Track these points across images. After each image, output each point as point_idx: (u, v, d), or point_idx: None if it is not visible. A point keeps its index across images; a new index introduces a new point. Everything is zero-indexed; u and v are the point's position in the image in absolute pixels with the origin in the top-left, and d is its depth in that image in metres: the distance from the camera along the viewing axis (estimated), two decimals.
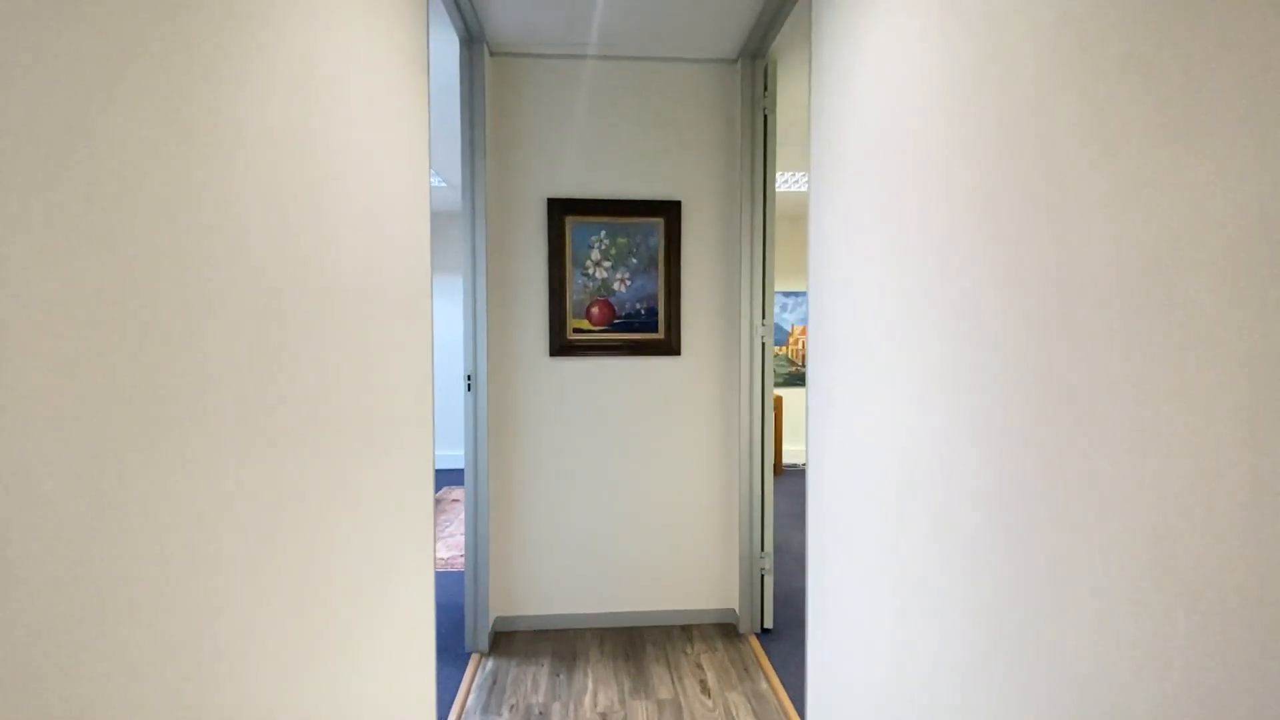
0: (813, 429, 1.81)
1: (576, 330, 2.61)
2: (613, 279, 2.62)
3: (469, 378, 2.37)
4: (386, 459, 1.42)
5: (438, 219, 5.87)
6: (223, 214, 0.83)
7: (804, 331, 6.26)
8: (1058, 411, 0.86)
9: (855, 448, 1.53)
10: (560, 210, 2.57)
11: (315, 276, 1.08)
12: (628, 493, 2.69)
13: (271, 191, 0.94)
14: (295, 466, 1.01)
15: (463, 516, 3.77)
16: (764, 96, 2.58)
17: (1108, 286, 0.78)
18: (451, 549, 3.71)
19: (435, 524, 1.61)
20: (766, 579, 2.68)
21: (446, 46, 2.44)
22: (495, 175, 2.55)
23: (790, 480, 5.55)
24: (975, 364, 1.05)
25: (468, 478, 2.42)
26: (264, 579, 0.92)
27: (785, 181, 4.54)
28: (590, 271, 2.61)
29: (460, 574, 3.33)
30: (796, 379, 6.27)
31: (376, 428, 1.36)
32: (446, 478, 5.60)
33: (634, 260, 2.63)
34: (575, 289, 2.60)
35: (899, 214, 1.30)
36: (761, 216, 2.59)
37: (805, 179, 4.41)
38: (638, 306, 2.64)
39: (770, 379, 2.63)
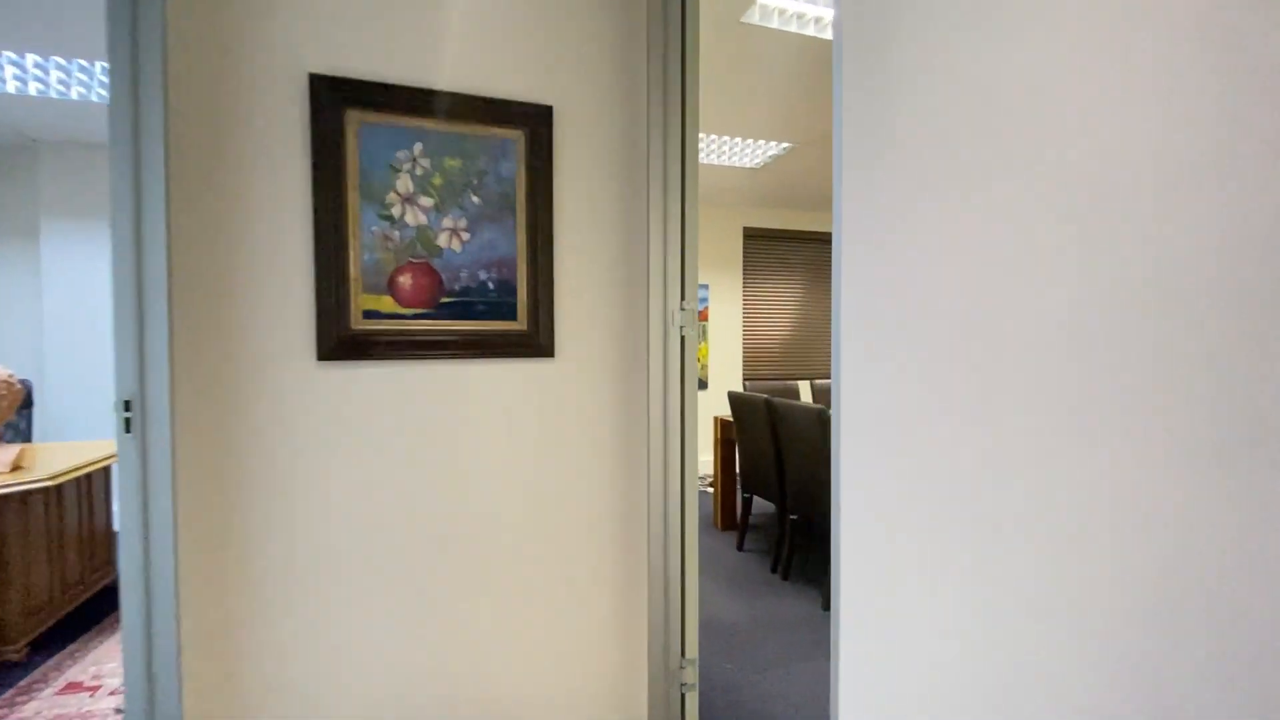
0: (848, 482, 0.87)
1: (371, 315, 1.51)
2: (438, 228, 1.55)
3: (127, 406, 1.19)
4: None
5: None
6: None
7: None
8: None
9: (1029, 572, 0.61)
10: (338, 98, 1.45)
11: None
12: (467, 582, 1.63)
13: None
14: None
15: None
16: None
17: None
18: None
19: None
20: (689, 699, 1.73)
21: None
22: (196, 26, 1.38)
23: None
24: None
25: (127, 588, 1.24)
26: None
27: (706, 151, 3.64)
28: (396, 213, 1.52)
29: None
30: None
31: None
32: None
33: (475, 199, 1.58)
34: (368, 243, 1.50)
35: None
36: (679, 138, 1.65)
37: (729, 145, 3.51)
38: (483, 277, 1.59)
39: (694, 392, 1.69)
